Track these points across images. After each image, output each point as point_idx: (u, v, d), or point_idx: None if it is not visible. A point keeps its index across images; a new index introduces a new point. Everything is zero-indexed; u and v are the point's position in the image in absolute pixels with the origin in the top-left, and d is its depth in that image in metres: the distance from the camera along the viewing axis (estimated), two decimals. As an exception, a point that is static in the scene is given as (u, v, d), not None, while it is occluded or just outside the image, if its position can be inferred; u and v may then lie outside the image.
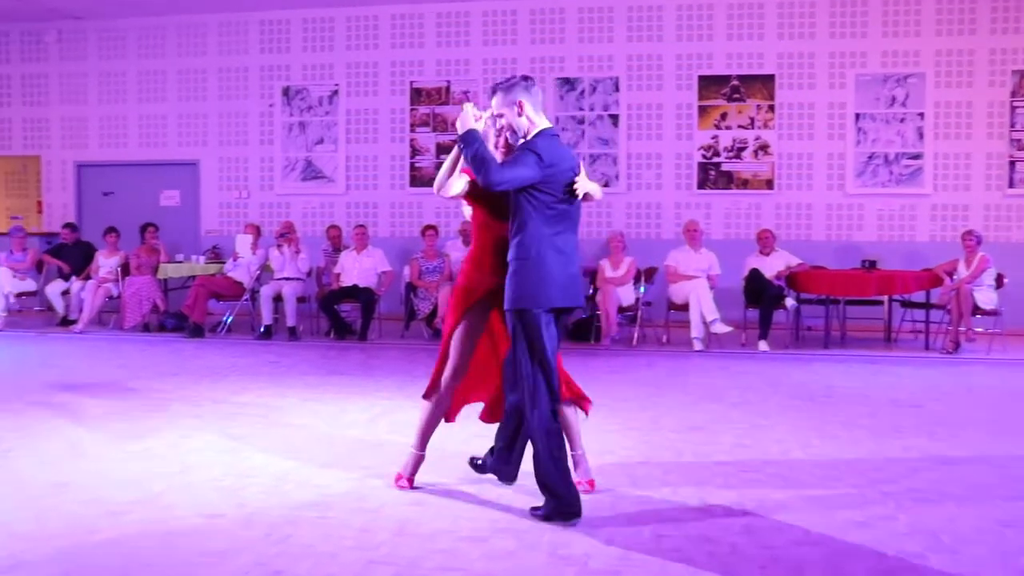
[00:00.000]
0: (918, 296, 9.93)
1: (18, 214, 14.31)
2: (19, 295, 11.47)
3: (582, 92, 11.71)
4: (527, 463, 4.21)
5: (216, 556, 3.56)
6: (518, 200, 4.09)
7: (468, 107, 4.15)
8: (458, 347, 4.31)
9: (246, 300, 10.77)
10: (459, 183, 4.26)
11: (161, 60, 12.99)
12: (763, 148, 11.33)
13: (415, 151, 12.16)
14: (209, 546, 3.67)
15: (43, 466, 4.86)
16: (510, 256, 4.11)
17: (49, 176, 13.66)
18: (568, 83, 11.73)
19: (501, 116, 4.26)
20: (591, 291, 10.16)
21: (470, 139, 4.02)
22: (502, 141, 4.35)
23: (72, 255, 11.71)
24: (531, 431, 4.05)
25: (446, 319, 4.43)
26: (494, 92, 4.27)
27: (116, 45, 13.15)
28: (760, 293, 9.62)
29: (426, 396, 4.41)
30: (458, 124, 4.11)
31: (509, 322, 4.11)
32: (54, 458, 5.03)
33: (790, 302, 9.75)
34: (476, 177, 4.02)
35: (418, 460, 4.47)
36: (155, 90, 13.04)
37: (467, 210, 4.47)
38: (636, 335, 9.78)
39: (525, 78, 4.28)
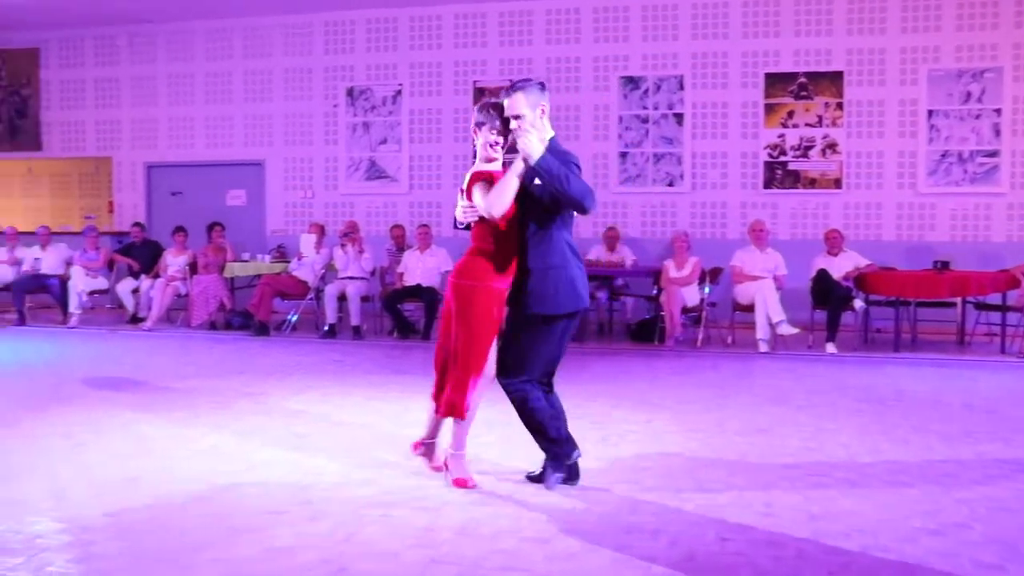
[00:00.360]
0: (993, 298, 9.68)
1: (91, 214, 14.70)
2: (92, 293, 11.77)
3: (646, 91, 11.64)
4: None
5: (280, 552, 3.61)
6: (541, 207, 4.14)
7: (535, 133, 4.14)
8: (487, 355, 4.34)
9: (311, 299, 10.91)
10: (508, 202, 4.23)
11: (228, 62, 13.23)
12: (831, 147, 11.15)
13: (478, 151, 12.18)
14: (274, 543, 3.72)
15: (113, 461, 4.98)
16: (535, 262, 4.21)
17: (120, 177, 13.99)
18: (632, 82, 11.67)
19: (519, 117, 4.22)
20: (655, 291, 10.10)
21: (553, 165, 4.05)
22: (495, 146, 4.36)
23: (141, 254, 11.99)
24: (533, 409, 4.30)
25: (482, 326, 4.30)
26: (513, 91, 4.25)
27: (184, 48, 13.42)
28: (828, 294, 9.47)
29: (460, 415, 4.38)
30: (529, 146, 4.07)
31: (525, 322, 4.23)
32: (123, 453, 5.15)
33: (859, 303, 9.57)
34: (569, 195, 4.02)
35: (463, 458, 4.50)
36: (222, 91, 13.28)
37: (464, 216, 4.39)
38: (700, 336, 9.69)
39: (540, 82, 4.36)
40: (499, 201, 4.15)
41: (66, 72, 14.05)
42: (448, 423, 4.55)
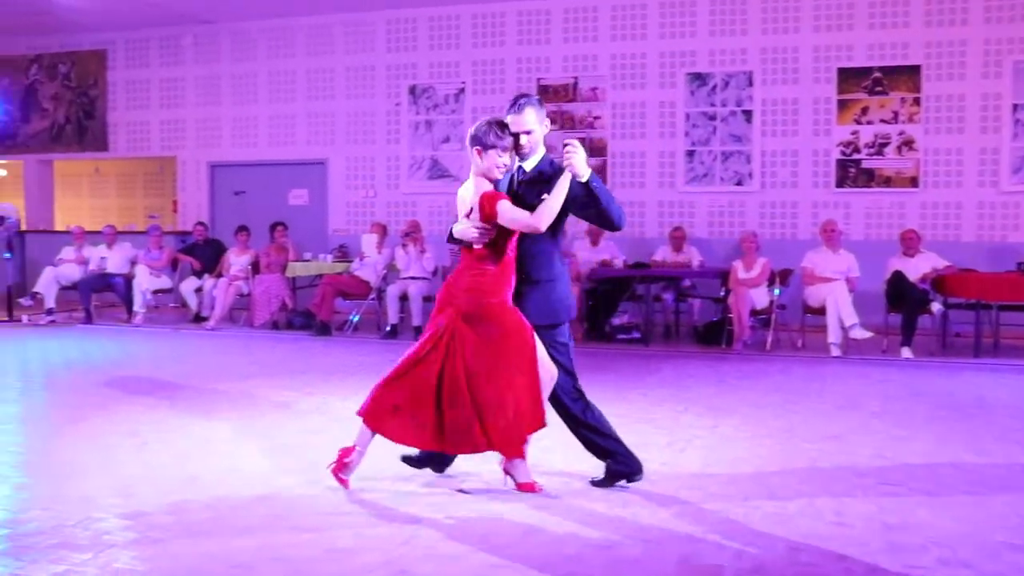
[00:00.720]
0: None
1: (155, 213, 15.03)
2: (155, 292, 12.04)
3: (714, 87, 11.54)
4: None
5: (342, 553, 3.66)
6: (555, 223, 4.32)
7: (583, 152, 4.21)
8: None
9: (372, 299, 11.02)
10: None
11: (290, 60, 13.43)
12: (907, 144, 10.94)
13: (541, 149, 12.18)
14: (336, 543, 3.77)
15: (176, 459, 5.09)
16: (540, 274, 4.42)
17: (184, 176, 14.29)
18: (699, 78, 11.58)
19: (529, 133, 4.36)
20: (723, 293, 10.01)
21: (601, 184, 4.30)
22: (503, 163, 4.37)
23: (204, 253, 12.22)
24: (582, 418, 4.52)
25: (527, 343, 4.29)
26: (521, 107, 4.36)
27: (247, 47, 13.65)
28: (903, 297, 9.29)
29: (543, 423, 4.37)
30: (580, 165, 4.17)
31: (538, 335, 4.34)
32: (186, 452, 5.26)
33: (936, 306, 9.38)
34: (610, 215, 4.30)
35: (525, 464, 4.50)
36: (284, 90, 13.49)
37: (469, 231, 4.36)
38: (770, 339, 9.58)
39: (538, 96, 4.61)
40: (551, 216, 4.24)
41: (132, 73, 14.39)
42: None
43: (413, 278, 10.66)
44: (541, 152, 4.46)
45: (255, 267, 11.55)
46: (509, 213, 4.25)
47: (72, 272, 12.23)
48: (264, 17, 13.35)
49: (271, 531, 3.92)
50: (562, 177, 4.23)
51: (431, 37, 12.72)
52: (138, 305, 11.68)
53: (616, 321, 10.38)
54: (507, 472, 4.52)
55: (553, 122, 12.17)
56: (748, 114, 11.44)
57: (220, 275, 11.64)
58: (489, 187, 4.37)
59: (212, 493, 4.44)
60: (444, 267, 11.21)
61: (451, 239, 4.53)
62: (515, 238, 4.35)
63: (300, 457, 5.13)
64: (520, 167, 4.47)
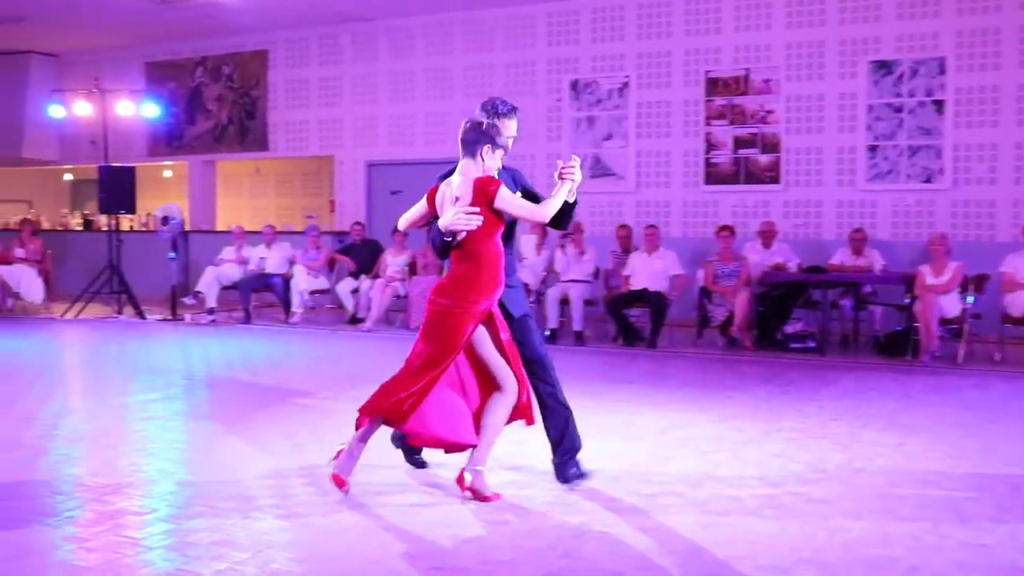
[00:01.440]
0: None
1: (312, 213, 15.59)
2: (313, 292, 12.48)
3: (900, 76, 11.08)
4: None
5: (500, 565, 3.69)
6: (516, 225, 4.79)
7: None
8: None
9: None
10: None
11: (448, 57, 13.68)
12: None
13: (710, 146, 12.02)
14: (494, 555, 3.80)
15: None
16: (514, 272, 4.84)
17: (341, 175, 14.76)
18: (884, 66, 11.14)
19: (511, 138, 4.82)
20: (908, 300, 9.60)
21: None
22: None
23: (360, 253, 12.58)
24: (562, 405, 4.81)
25: (444, 353, 4.55)
26: (514, 113, 4.89)
27: (405, 44, 13.99)
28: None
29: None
30: (577, 183, 4.68)
31: (520, 325, 4.71)
32: (345, 455, 5.41)
33: None
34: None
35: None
36: (441, 87, 13.75)
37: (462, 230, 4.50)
38: (962, 352, 9.13)
39: None
40: (554, 211, 4.59)
41: (292, 72, 14.97)
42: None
43: (573, 281, 10.67)
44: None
45: (412, 268, 11.80)
46: (510, 198, 4.49)
47: (232, 272, 12.81)
48: (422, 13, 13.64)
49: (428, 540, 3.99)
50: (562, 185, 4.62)
51: (594, 29, 12.72)
52: (296, 305, 12.13)
53: (789, 329, 10.11)
54: (468, 486, 4.52)
55: (722, 117, 12.07)
56: (939, 104, 10.93)
57: (377, 276, 11.96)
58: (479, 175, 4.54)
59: (368, 498, 4.55)
60: (606, 270, 11.19)
61: (438, 249, 4.64)
62: (497, 236, 4.51)
63: (456, 467, 5.19)
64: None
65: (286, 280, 12.38)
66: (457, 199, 4.50)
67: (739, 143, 11.79)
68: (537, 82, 13.09)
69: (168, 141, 16.15)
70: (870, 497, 4.61)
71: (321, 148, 14.93)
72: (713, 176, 11.98)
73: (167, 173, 18.90)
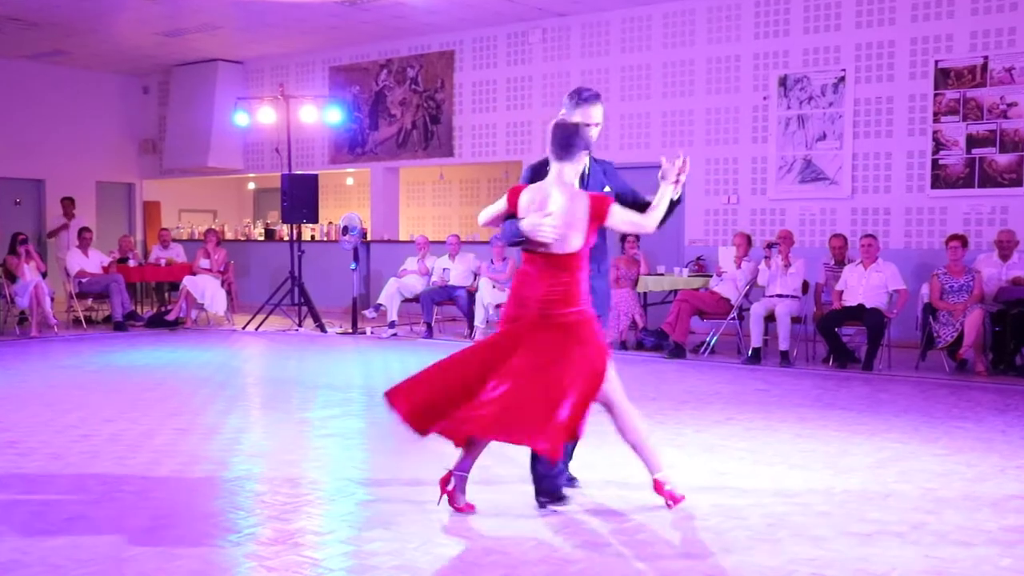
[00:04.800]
0: None
1: (499, 222, 15.82)
2: (498, 306, 12.66)
3: None
4: None
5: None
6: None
7: None
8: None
9: (733, 319, 10.93)
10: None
11: (645, 53, 13.67)
12: None
13: (939, 145, 11.54)
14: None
15: (514, 485, 5.30)
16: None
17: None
18: None
19: (598, 125, 5.00)
20: None
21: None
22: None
23: (549, 265, 12.68)
24: None
25: (600, 358, 4.66)
26: (593, 98, 4.99)
27: (599, 40, 14.06)
28: None
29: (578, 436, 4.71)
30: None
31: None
32: (522, 478, 5.47)
33: None
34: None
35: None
36: (638, 86, 13.75)
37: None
38: None
39: None
40: (659, 218, 4.75)
41: (478, 73, 15.30)
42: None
43: (780, 296, 10.46)
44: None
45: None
46: (621, 214, 4.68)
47: (414, 284, 13.18)
48: (619, 6, 13.68)
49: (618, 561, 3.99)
50: (664, 188, 4.78)
51: (806, 19, 12.44)
52: (480, 320, 12.35)
53: (1032, 352, 9.60)
54: (450, 494, 4.67)
55: (952, 112, 11.57)
56: None
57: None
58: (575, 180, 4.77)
59: (524, 530, 4.59)
60: (818, 284, 10.91)
61: (512, 240, 4.72)
62: (589, 247, 4.65)
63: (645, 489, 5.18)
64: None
65: (470, 293, 12.63)
66: (547, 210, 4.66)
67: (973, 141, 11.28)
68: (742, 78, 12.91)
69: (351, 147, 16.79)
70: None
71: (508, 153, 15.18)
72: (942, 179, 11.50)
73: (349, 181, 19.65)
